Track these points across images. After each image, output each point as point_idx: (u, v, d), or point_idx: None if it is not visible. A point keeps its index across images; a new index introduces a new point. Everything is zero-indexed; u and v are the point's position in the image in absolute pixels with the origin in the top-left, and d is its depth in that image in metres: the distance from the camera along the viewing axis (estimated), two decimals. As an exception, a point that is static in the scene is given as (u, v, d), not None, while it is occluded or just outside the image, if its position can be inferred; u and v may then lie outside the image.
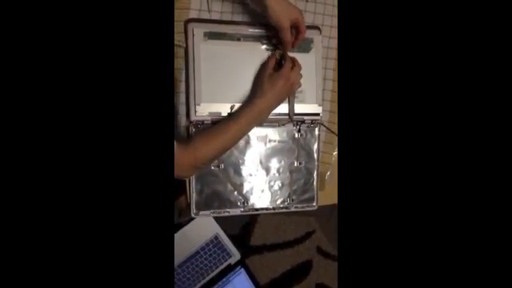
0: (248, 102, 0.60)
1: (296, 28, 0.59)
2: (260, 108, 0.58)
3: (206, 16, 0.64)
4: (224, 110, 0.62)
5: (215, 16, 0.64)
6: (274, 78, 0.58)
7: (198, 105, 0.61)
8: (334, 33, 0.70)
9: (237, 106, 0.62)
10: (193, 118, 0.61)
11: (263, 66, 0.62)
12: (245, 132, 0.59)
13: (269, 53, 0.64)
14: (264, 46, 0.64)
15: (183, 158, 0.51)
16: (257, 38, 0.63)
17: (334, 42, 0.70)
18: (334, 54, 0.70)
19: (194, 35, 0.60)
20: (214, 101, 0.62)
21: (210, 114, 0.62)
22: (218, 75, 0.62)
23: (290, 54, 0.63)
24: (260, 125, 0.65)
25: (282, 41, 0.59)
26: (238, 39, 0.63)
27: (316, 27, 0.67)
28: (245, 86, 0.63)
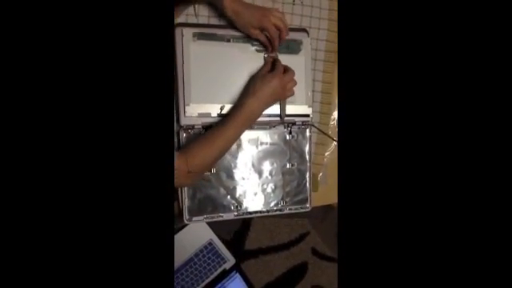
0: (239, 103, 0.60)
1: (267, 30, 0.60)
2: (252, 108, 0.58)
3: (193, 20, 0.64)
4: (214, 110, 0.62)
5: (202, 20, 0.64)
6: (267, 78, 0.58)
7: (188, 105, 0.61)
8: (322, 35, 0.70)
9: (226, 106, 0.62)
10: (182, 119, 0.61)
11: (259, 69, 0.63)
12: (239, 134, 0.59)
13: (259, 54, 0.64)
14: (254, 47, 0.64)
15: (176, 165, 0.51)
16: (246, 39, 0.63)
17: (322, 44, 0.70)
18: (322, 55, 0.70)
19: (183, 35, 0.60)
20: (203, 101, 0.61)
21: (200, 114, 0.61)
22: (208, 76, 0.62)
23: (280, 55, 0.64)
24: (251, 127, 0.65)
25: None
26: (228, 40, 0.63)
27: (303, 29, 0.68)
28: (234, 87, 0.63)
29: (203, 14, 0.64)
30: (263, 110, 0.60)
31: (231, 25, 0.63)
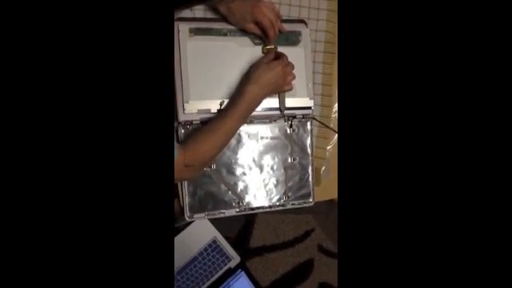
0: (239, 90, 0.58)
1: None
2: (253, 95, 0.56)
3: (189, 14, 0.63)
4: (213, 106, 0.61)
5: (199, 14, 0.63)
6: (271, 65, 0.57)
7: (187, 102, 0.60)
8: (321, 26, 0.69)
9: (226, 102, 0.61)
10: (181, 116, 0.60)
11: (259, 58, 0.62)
12: (240, 124, 0.58)
13: (257, 47, 0.63)
14: (251, 40, 0.63)
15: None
16: (244, 33, 0.62)
17: (322, 35, 0.69)
18: (321, 47, 0.69)
19: (179, 31, 0.59)
20: (202, 98, 0.61)
21: (199, 111, 0.60)
22: (206, 71, 0.61)
23: (279, 47, 0.63)
24: (251, 122, 0.64)
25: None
26: (225, 34, 0.62)
27: (302, 21, 0.67)
28: (233, 81, 0.62)
29: (199, 7, 0.63)
30: (263, 98, 0.59)
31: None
